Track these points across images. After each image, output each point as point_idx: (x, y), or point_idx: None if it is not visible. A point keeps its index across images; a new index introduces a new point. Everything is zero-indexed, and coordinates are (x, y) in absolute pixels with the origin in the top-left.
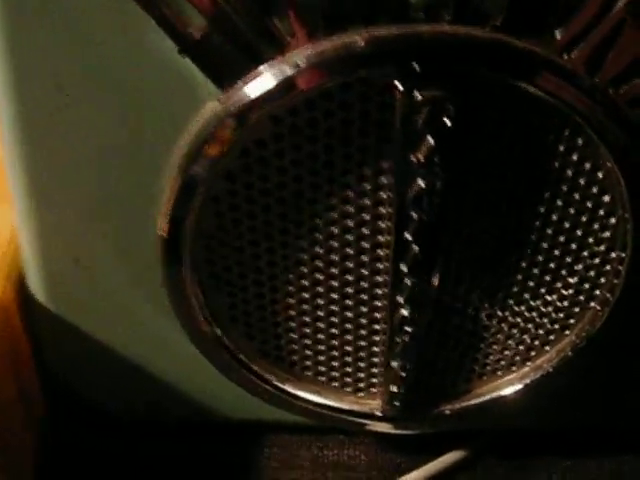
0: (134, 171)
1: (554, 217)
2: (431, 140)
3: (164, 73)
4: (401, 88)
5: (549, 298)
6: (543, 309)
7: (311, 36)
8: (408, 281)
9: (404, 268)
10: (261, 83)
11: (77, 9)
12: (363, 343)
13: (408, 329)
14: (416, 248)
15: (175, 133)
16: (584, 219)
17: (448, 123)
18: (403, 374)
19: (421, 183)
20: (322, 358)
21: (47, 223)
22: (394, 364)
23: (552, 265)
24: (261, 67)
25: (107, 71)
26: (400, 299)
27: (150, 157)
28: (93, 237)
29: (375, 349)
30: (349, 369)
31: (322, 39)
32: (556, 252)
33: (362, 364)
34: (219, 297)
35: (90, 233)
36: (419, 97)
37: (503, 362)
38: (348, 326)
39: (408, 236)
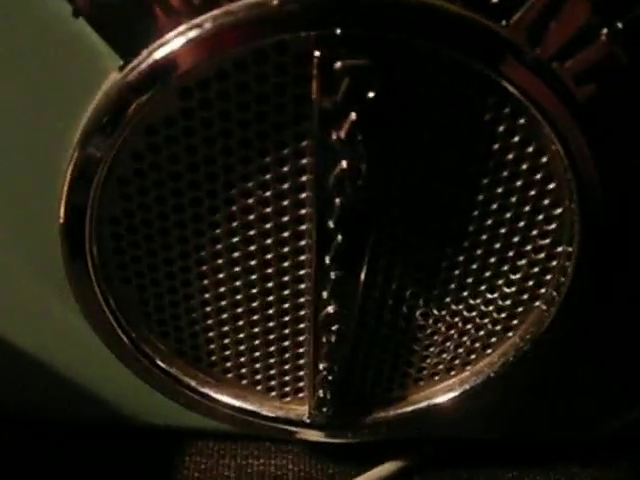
0: (33, 149)
1: (494, 206)
2: (353, 115)
3: (62, 40)
4: (318, 55)
5: (490, 296)
6: (484, 308)
7: None
8: (332, 274)
9: (328, 260)
10: (165, 50)
11: None
12: (288, 343)
13: (334, 327)
14: (340, 237)
15: (78, 107)
16: (527, 209)
17: (372, 96)
18: (331, 377)
19: (343, 164)
20: (244, 359)
21: None
22: (321, 366)
23: (492, 260)
24: (167, 33)
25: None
26: (325, 294)
27: (50, 136)
28: None
29: (301, 350)
30: (273, 372)
31: (232, 0)
32: (497, 246)
33: (287, 366)
34: (129, 291)
35: None
36: (339, 66)
37: (441, 366)
38: (270, 324)
39: (331, 224)
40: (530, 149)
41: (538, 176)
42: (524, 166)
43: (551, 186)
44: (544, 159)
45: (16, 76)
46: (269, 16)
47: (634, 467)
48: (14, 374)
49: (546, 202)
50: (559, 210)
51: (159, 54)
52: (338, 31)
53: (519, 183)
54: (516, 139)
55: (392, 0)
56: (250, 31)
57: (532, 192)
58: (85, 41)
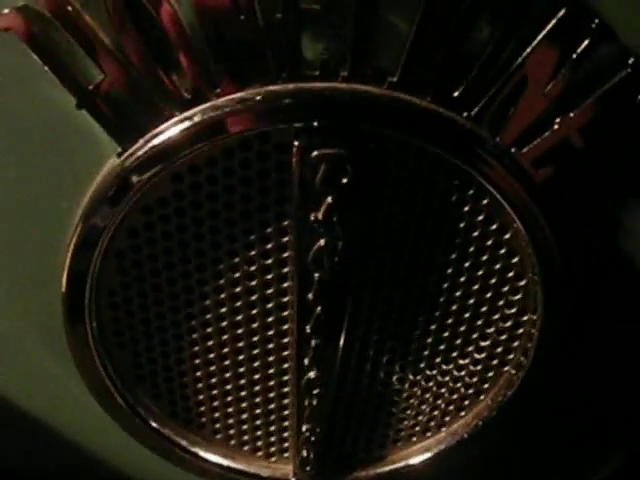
0: (37, 225)
1: (462, 279)
2: (329, 199)
3: (67, 128)
4: (297, 145)
5: (462, 362)
6: (456, 373)
7: (210, 93)
8: (313, 342)
9: (308, 329)
10: (159, 139)
11: None
12: (273, 406)
13: (316, 391)
14: (319, 308)
15: (80, 188)
16: (493, 281)
17: (345, 181)
18: (313, 438)
19: (321, 242)
20: (232, 421)
21: None
22: (304, 428)
23: (463, 328)
24: (160, 123)
25: (8, 126)
26: (306, 361)
27: (54, 211)
28: None
29: (285, 412)
30: (260, 432)
31: (221, 96)
32: (466, 315)
33: (272, 427)
34: (124, 355)
35: None
36: (316, 155)
37: (417, 427)
38: (256, 388)
39: (310, 296)
40: (494, 226)
41: (502, 251)
42: (489, 242)
43: (514, 260)
44: (507, 235)
45: (25, 158)
46: (253, 110)
47: None
48: (14, 434)
49: (510, 274)
50: (523, 282)
51: (154, 143)
52: (315, 124)
53: (485, 257)
54: (480, 218)
55: (365, 96)
56: (236, 123)
57: (497, 265)
58: (87, 129)
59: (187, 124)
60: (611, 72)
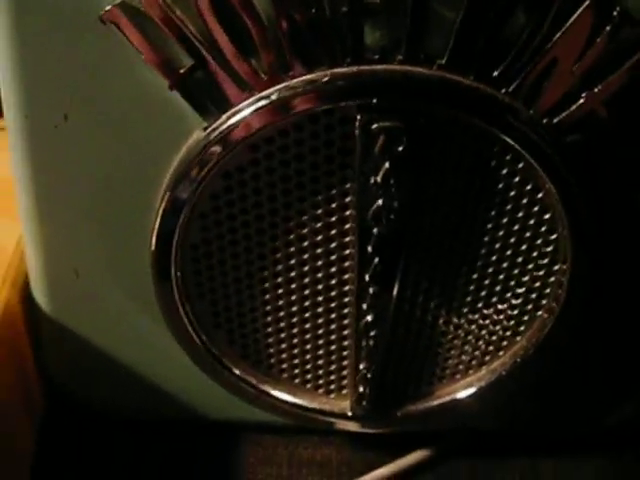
0: (130, 191)
1: (501, 233)
2: (387, 165)
3: (158, 106)
4: (359, 119)
5: (500, 307)
6: (495, 317)
7: (284, 75)
8: (371, 289)
9: (367, 278)
10: (240, 115)
11: (83, 56)
12: (333, 347)
13: (372, 333)
14: (377, 259)
15: (167, 158)
16: (528, 235)
17: (401, 150)
18: (369, 375)
19: (380, 202)
20: (297, 361)
21: (50, 236)
22: (361, 366)
23: (501, 277)
24: (241, 102)
25: (108, 104)
26: (364, 306)
27: (144, 178)
28: (92, 250)
29: (344, 353)
30: (321, 371)
31: (293, 78)
32: (504, 265)
33: (333, 367)
34: (204, 305)
35: (89, 246)
36: (375, 127)
37: (461, 366)
38: (320, 332)
39: (370, 249)
40: (528, 187)
41: (535, 209)
42: (524, 201)
43: (546, 216)
44: (539, 195)
45: (122, 132)
46: (321, 90)
47: (638, 458)
48: (97, 375)
49: (543, 229)
50: (554, 235)
51: (235, 119)
52: (374, 101)
53: (520, 214)
54: (516, 179)
55: (417, 76)
56: (306, 101)
57: (531, 221)
58: (176, 106)
59: (264, 102)
60: (631, 53)
